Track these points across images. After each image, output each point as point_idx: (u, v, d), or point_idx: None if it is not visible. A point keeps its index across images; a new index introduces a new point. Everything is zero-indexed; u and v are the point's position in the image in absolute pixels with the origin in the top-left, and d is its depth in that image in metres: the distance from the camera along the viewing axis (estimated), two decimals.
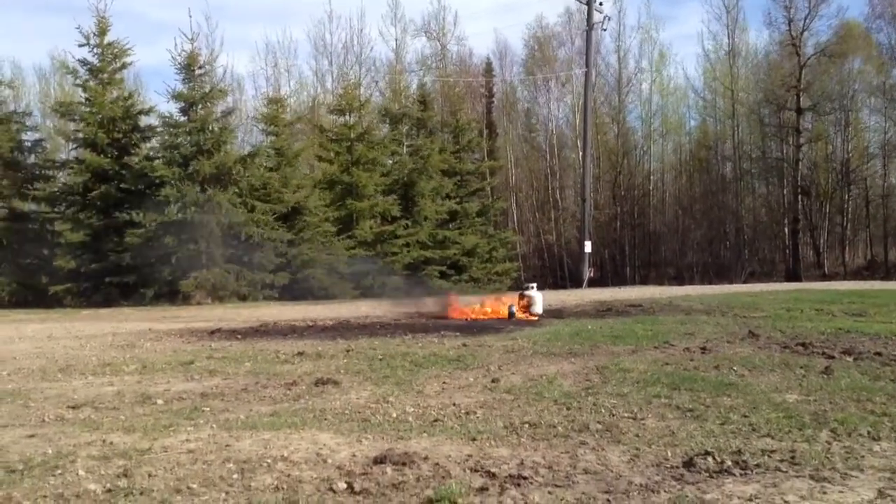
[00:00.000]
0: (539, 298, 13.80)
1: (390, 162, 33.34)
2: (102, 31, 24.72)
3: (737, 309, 13.99)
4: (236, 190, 24.07)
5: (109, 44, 24.88)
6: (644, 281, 42.57)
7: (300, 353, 8.64)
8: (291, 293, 23.47)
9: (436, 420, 5.15)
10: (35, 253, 23.87)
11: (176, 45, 24.20)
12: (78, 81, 25.41)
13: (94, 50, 24.74)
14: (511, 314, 13.30)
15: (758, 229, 48.08)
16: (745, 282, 37.69)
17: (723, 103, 49.59)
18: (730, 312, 13.30)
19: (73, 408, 5.86)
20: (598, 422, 4.99)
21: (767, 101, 46.57)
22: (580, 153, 40.51)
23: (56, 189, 25.12)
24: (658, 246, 50.05)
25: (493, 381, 6.60)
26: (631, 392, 5.99)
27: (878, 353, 7.95)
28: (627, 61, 50.87)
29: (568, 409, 5.43)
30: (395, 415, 5.33)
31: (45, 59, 58.62)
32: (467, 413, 5.34)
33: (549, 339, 9.55)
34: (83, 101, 25.21)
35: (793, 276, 40.07)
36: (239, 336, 10.95)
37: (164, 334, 11.54)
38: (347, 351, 8.79)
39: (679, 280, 42.22)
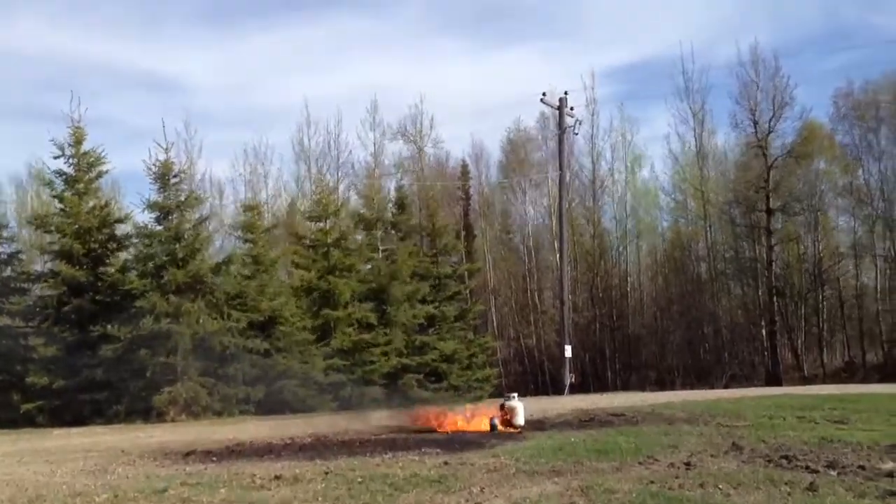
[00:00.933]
0: (521, 410, 13.62)
1: (368, 267, 33.31)
2: (78, 140, 24.54)
3: (719, 417, 13.91)
4: (211, 299, 23.81)
5: (85, 153, 24.68)
6: (625, 385, 42.34)
7: (277, 477, 8.41)
8: (268, 406, 22.98)
9: None
10: (7, 369, 23.29)
11: (150, 154, 23.98)
12: (54, 192, 25.13)
13: (70, 160, 24.55)
14: (493, 427, 13.10)
15: (735, 331, 48.08)
16: (726, 386, 37.59)
17: (693, 204, 50.23)
18: (713, 421, 13.22)
19: None
20: None
21: (737, 202, 47.18)
22: (557, 255, 40.77)
23: (30, 303, 24.74)
24: (638, 349, 49.81)
25: None
26: None
27: (862, 467, 7.90)
28: (601, 163, 51.72)
29: None
30: None
31: (23, 169, 58.91)
32: None
33: (531, 456, 9.40)
34: (59, 211, 24.98)
35: (773, 379, 39.86)
36: (214, 458, 10.66)
37: (137, 457, 11.22)
38: (326, 473, 8.58)
39: (660, 384, 42.00)
